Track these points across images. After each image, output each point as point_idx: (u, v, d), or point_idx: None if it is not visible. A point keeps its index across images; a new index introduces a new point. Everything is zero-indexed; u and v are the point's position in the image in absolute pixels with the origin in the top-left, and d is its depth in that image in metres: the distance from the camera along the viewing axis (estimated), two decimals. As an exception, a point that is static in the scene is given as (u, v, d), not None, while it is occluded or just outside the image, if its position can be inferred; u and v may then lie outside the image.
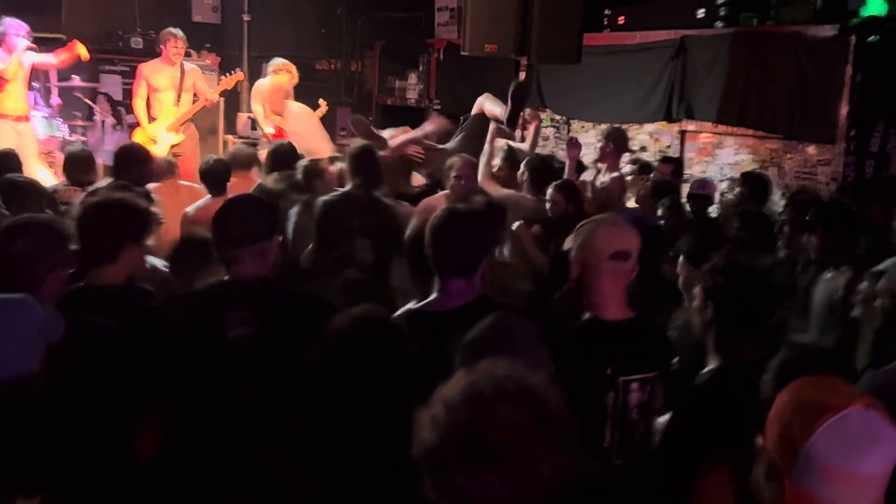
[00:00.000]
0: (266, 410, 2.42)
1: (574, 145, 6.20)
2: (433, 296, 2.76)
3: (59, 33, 9.22)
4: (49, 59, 7.88)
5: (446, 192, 5.50)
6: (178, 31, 8.11)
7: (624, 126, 7.89)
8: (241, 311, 2.66)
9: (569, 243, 2.80)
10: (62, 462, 2.29)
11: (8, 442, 2.19)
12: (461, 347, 2.13)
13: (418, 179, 7.02)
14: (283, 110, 7.97)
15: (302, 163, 5.64)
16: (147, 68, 8.10)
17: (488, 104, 6.26)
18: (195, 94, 8.21)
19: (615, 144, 6.33)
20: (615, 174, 6.19)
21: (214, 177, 5.41)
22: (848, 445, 1.51)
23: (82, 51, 7.86)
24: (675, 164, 6.77)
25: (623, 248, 2.66)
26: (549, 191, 5.21)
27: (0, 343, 2.22)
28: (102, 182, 5.43)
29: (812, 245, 4.17)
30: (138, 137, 7.97)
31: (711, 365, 2.69)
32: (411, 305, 2.84)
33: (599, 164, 6.35)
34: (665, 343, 2.81)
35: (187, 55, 9.23)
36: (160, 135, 7.94)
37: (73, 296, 2.82)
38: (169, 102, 8.08)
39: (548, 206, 5.20)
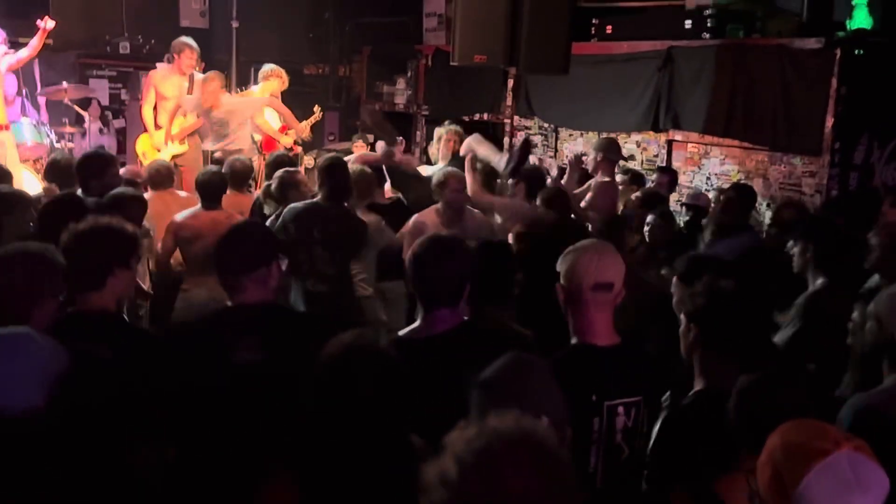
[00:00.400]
0: (270, 434, 2.45)
1: (578, 162, 6.31)
2: (416, 323, 2.84)
3: (47, 38, 9.18)
4: (22, 54, 7.69)
5: (437, 206, 5.52)
6: (193, 42, 8.08)
7: (612, 134, 7.97)
8: (249, 336, 2.73)
9: (560, 266, 2.83)
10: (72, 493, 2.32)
11: (17, 474, 2.21)
12: (476, 386, 2.12)
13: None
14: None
15: (277, 174, 5.65)
16: (157, 76, 8.06)
17: (481, 149, 6.29)
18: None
19: (605, 153, 6.40)
20: (606, 179, 6.28)
21: (209, 189, 5.41)
22: (838, 490, 1.56)
23: (48, 23, 7.60)
24: (671, 175, 6.82)
25: (605, 279, 2.67)
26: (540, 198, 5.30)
27: (5, 377, 2.23)
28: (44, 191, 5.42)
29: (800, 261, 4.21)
30: (143, 144, 7.95)
31: (696, 388, 2.74)
32: (401, 333, 2.90)
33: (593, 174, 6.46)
34: (651, 368, 2.82)
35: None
36: (163, 142, 7.90)
37: (62, 323, 2.79)
38: (175, 112, 8.01)
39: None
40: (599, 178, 6.25)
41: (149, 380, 2.62)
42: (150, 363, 2.70)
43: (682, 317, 2.84)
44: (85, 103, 9.21)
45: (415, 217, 5.59)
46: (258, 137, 8.35)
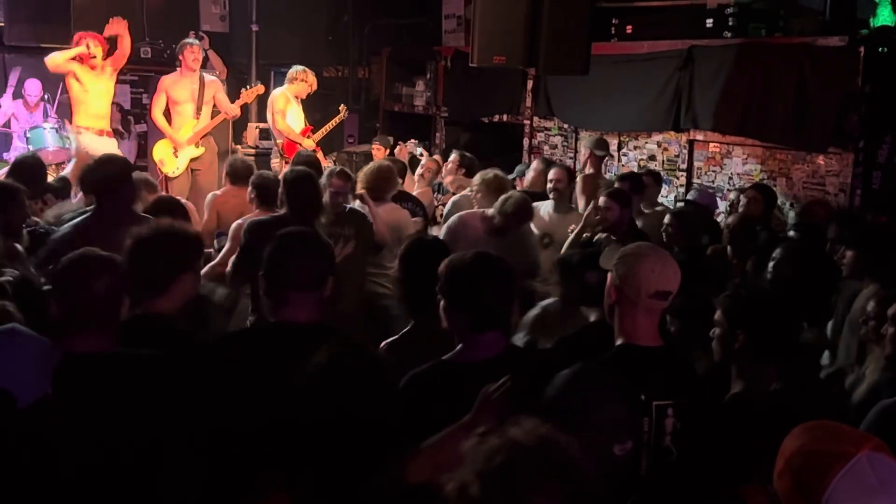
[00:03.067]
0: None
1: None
2: (459, 347, 2.65)
3: (68, 43, 9.25)
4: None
5: (483, 210, 5.49)
6: (193, 40, 8.12)
7: (632, 135, 7.94)
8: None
9: (606, 262, 2.80)
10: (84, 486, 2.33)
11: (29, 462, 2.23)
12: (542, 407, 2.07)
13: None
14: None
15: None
16: (167, 80, 8.07)
17: None
18: (215, 107, 8.16)
19: (592, 150, 6.85)
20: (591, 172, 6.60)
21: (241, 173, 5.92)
22: (863, 495, 1.53)
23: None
24: (654, 177, 6.70)
25: (665, 288, 2.65)
26: (602, 198, 5.26)
27: (11, 371, 2.25)
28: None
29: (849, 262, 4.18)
30: (160, 149, 7.96)
31: (734, 390, 2.73)
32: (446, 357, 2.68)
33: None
34: (692, 371, 2.79)
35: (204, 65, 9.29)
36: (181, 147, 7.91)
37: (127, 326, 2.71)
38: (188, 115, 8.02)
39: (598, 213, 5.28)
40: (587, 170, 6.72)
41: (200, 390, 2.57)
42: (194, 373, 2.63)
43: (717, 320, 2.81)
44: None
45: (458, 214, 5.57)
46: (280, 141, 8.39)
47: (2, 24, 9.11)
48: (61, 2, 9.13)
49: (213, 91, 8.10)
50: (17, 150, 8.57)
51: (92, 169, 4.45)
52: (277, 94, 8.35)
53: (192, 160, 7.94)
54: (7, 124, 9.08)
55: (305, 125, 8.42)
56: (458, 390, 2.35)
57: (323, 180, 5.44)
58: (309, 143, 8.26)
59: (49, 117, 8.69)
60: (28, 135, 8.24)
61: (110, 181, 4.25)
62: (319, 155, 8.40)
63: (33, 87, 8.90)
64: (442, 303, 2.65)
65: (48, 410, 2.33)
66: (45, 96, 8.88)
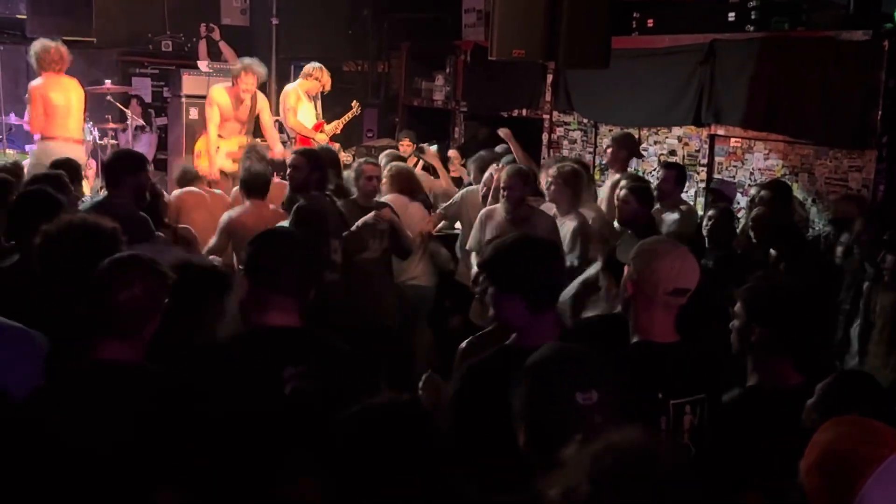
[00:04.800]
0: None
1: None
2: (516, 334, 2.60)
3: (90, 37, 9.32)
4: None
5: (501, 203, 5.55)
6: (255, 67, 7.75)
7: (652, 129, 7.89)
8: (295, 364, 2.52)
9: (623, 255, 2.77)
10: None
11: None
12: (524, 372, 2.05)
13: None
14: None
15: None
16: (218, 97, 7.83)
17: None
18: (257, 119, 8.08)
19: (628, 150, 6.50)
20: (617, 177, 6.36)
21: (258, 183, 5.58)
22: (897, 495, 1.50)
23: None
24: (678, 170, 6.52)
25: (684, 285, 2.62)
26: (622, 192, 5.24)
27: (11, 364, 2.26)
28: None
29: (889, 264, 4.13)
30: (203, 143, 7.91)
31: (750, 383, 2.70)
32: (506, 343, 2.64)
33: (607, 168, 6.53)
34: (712, 365, 2.75)
35: (217, 57, 9.32)
36: (222, 162, 7.80)
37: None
38: (233, 129, 7.91)
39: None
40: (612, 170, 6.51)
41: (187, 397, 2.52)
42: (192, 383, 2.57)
43: (737, 310, 2.77)
44: (126, 100, 9.33)
45: (486, 209, 5.62)
46: (293, 137, 8.40)
47: (24, 17, 9.15)
48: (83, -5, 9.20)
49: (261, 107, 8.01)
50: (38, 142, 8.62)
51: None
52: (289, 90, 8.32)
53: (222, 172, 7.86)
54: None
55: (318, 120, 8.40)
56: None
57: (351, 172, 5.60)
58: (321, 137, 8.24)
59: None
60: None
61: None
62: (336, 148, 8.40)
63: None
64: (490, 290, 2.59)
65: (41, 403, 2.33)
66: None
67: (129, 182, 4.48)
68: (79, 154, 7.38)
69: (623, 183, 5.51)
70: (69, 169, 5.18)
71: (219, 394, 2.48)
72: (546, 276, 2.58)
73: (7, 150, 8.33)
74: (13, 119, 8.65)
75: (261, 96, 8.08)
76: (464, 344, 3.11)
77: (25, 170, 6.11)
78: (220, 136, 7.86)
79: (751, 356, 2.68)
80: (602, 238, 5.50)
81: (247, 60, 7.88)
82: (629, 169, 7.57)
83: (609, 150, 6.80)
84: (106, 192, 4.69)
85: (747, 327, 2.69)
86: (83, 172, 6.49)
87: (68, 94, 7.54)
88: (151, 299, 2.54)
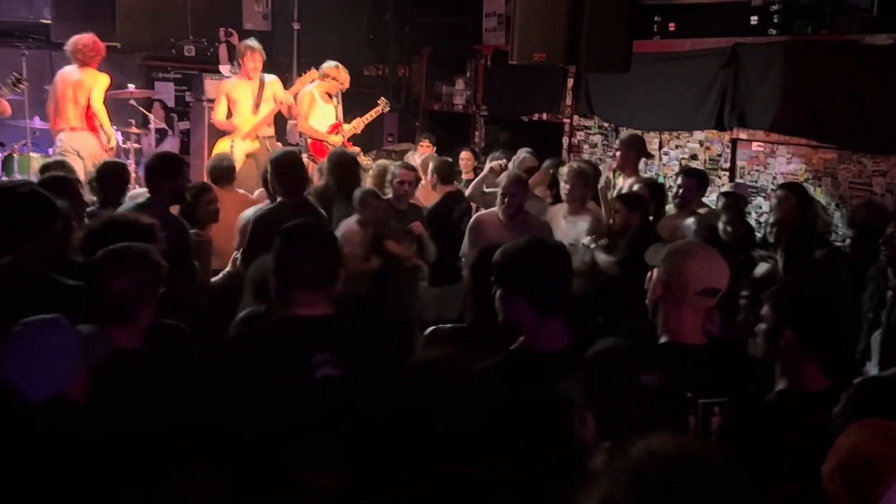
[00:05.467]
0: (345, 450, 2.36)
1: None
2: (523, 337, 2.62)
3: (114, 41, 9.39)
4: None
5: (494, 209, 5.53)
6: (254, 43, 8.03)
7: (673, 133, 7.85)
8: (325, 350, 2.54)
9: (653, 258, 2.76)
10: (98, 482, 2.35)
11: (39, 459, 2.25)
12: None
13: None
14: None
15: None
16: (227, 84, 8.08)
17: None
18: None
19: (636, 152, 6.49)
20: (634, 179, 6.31)
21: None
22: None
23: None
24: (698, 177, 6.44)
25: (713, 285, 2.62)
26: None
27: (30, 365, 2.27)
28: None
29: None
30: (220, 147, 7.98)
31: (779, 387, 2.67)
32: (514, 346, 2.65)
33: (619, 171, 6.48)
34: (741, 366, 2.73)
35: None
36: (236, 143, 7.91)
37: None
38: (246, 112, 8.02)
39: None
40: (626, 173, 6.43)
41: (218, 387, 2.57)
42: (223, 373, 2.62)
43: (765, 313, 2.74)
44: (148, 104, 9.39)
45: (477, 215, 5.61)
46: (308, 140, 8.43)
47: (49, 22, 9.25)
48: (107, 0, 9.28)
49: (273, 90, 8.09)
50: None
51: None
52: (303, 93, 8.34)
53: (247, 155, 7.95)
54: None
55: (336, 122, 8.41)
56: (532, 379, 2.32)
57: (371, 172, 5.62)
58: (335, 140, 8.24)
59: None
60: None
61: None
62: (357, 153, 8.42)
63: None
64: (499, 293, 2.61)
65: (58, 408, 2.35)
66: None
67: (167, 186, 4.67)
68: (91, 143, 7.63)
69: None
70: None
71: (246, 383, 2.51)
72: (551, 278, 2.59)
73: (31, 154, 8.40)
74: (38, 123, 8.73)
75: (272, 79, 8.18)
76: (428, 331, 3.15)
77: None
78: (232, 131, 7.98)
79: (779, 360, 2.65)
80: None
81: (247, 41, 8.04)
82: (649, 173, 7.56)
83: (618, 154, 6.74)
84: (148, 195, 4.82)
85: (776, 330, 2.66)
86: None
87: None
88: (144, 287, 2.65)
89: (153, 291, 2.70)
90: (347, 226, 5.33)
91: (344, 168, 6.08)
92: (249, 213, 5.43)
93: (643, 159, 6.99)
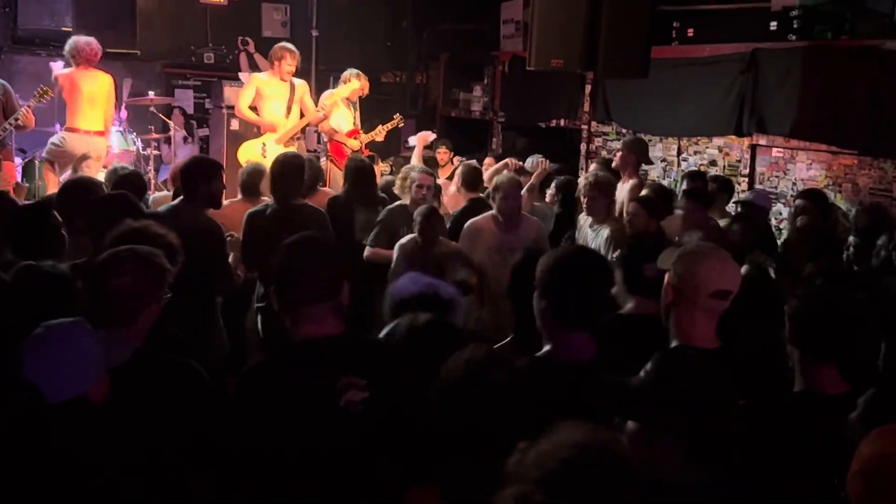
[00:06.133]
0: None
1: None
2: (549, 346, 2.58)
3: (134, 49, 9.49)
4: None
5: (492, 212, 5.52)
6: (292, 47, 7.94)
7: (692, 139, 7.82)
8: (348, 373, 2.40)
9: (664, 262, 2.74)
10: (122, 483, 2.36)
11: (61, 461, 2.26)
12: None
13: None
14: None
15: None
16: (259, 78, 8.01)
17: None
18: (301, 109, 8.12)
19: (637, 155, 6.42)
20: (634, 181, 6.29)
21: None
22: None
23: None
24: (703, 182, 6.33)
25: (725, 287, 2.60)
26: (631, 205, 5.22)
27: (52, 367, 2.28)
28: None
29: None
30: (247, 151, 7.96)
31: (796, 388, 2.65)
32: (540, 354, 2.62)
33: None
34: (754, 371, 2.73)
35: (258, 69, 9.41)
36: (269, 146, 7.83)
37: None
38: (279, 113, 7.95)
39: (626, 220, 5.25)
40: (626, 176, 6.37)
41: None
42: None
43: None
44: (168, 111, 9.46)
45: (470, 221, 5.58)
46: (326, 141, 8.46)
47: (70, 30, 9.33)
48: (127, 9, 9.36)
49: (301, 93, 8.08)
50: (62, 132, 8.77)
51: None
52: (325, 95, 8.38)
53: None
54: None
55: (354, 127, 8.44)
56: (551, 388, 2.30)
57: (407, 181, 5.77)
58: (354, 144, 8.25)
59: (114, 120, 8.85)
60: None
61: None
62: (371, 154, 8.44)
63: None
64: (535, 300, 2.59)
65: (78, 411, 2.37)
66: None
67: (203, 189, 4.64)
68: (101, 147, 7.58)
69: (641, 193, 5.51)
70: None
71: (269, 417, 2.39)
72: (576, 289, 2.52)
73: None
74: (58, 129, 8.82)
75: (300, 82, 8.14)
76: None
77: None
78: (261, 128, 7.97)
79: (796, 363, 2.64)
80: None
81: (284, 44, 8.00)
82: (668, 179, 7.53)
83: (619, 154, 6.69)
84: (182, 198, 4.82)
85: (791, 332, 2.65)
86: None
87: (96, 84, 7.69)
88: (143, 288, 2.67)
89: (154, 293, 2.72)
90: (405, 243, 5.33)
91: (360, 175, 6.10)
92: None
93: (643, 164, 6.91)
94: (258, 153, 7.81)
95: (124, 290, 2.64)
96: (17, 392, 2.33)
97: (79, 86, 7.57)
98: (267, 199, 6.03)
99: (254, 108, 7.91)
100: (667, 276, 2.68)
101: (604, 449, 1.47)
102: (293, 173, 5.20)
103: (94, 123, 7.65)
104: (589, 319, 2.56)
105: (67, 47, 7.63)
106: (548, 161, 7.24)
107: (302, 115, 8.04)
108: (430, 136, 8.52)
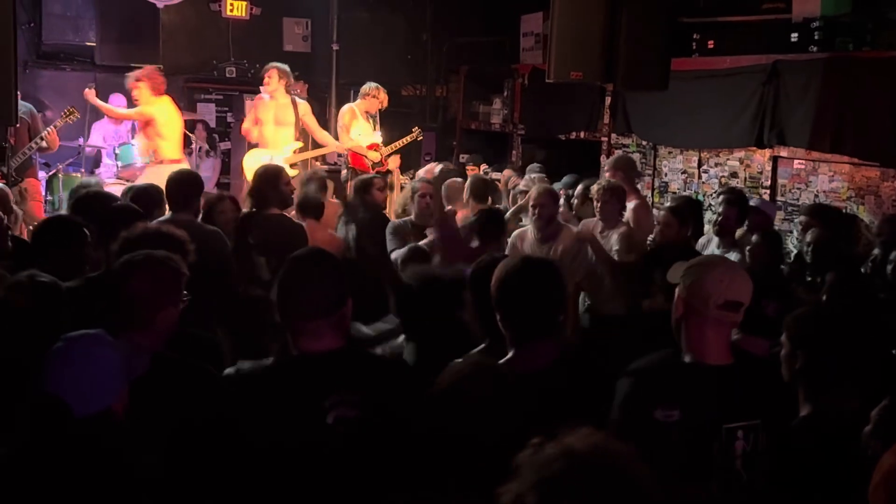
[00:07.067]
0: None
1: None
2: (510, 354, 2.60)
3: (157, 63, 9.56)
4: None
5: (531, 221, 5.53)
6: (279, 65, 8.04)
7: (713, 151, 7.79)
8: (339, 390, 2.38)
9: (674, 276, 2.72)
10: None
11: (90, 475, 2.27)
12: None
13: None
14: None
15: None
16: (260, 103, 8.09)
17: None
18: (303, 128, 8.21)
19: (624, 172, 6.18)
20: (636, 202, 6.04)
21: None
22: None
23: None
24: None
25: (735, 298, 2.53)
26: (662, 213, 5.20)
27: (77, 380, 2.29)
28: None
29: None
30: (252, 161, 8.02)
31: (803, 413, 2.61)
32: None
33: None
34: (770, 389, 2.63)
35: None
36: (277, 161, 7.91)
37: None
38: (287, 137, 8.05)
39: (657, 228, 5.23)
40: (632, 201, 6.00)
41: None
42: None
43: (782, 341, 2.71)
44: (191, 125, 9.53)
45: (516, 232, 5.60)
46: (346, 153, 8.51)
47: (94, 45, 9.45)
48: (150, 23, 9.46)
49: (303, 113, 8.15)
50: (107, 166, 8.87)
51: None
52: (345, 109, 8.44)
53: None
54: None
55: (375, 140, 8.48)
56: (508, 398, 2.29)
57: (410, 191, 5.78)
58: (374, 156, 8.30)
59: (136, 133, 8.94)
60: (117, 151, 8.50)
61: None
62: (390, 167, 8.47)
63: (117, 102, 9.16)
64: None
65: (105, 423, 2.37)
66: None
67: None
68: None
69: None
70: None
71: (256, 430, 2.38)
72: (524, 302, 2.58)
73: (74, 174, 8.58)
74: (81, 142, 8.93)
75: (301, 101, 8.23)
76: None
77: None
78: (263, 145, 8.06)
79: (800, 384, 2.60)
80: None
81: (275, 64, 8.08)
82: (689, 191, 7.49)
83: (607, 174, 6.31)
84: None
85: (792, 355, 2.62)
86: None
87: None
88: (160, 290, 2.68)
89: (171, 296, 2.72)
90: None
91: (359, 190, 6.16)
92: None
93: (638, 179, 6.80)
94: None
95: (141, 294, 2.65)
96: (43, 406, 2.35)
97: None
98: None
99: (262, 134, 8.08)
100: (676, 290, 2.63)
101: (608, 461, 1.45)
102: (265, 184, 5.28)
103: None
104: (544, 328, 2.60)
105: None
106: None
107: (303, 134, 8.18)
108: (435, 167, 8.63)
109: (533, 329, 2.59)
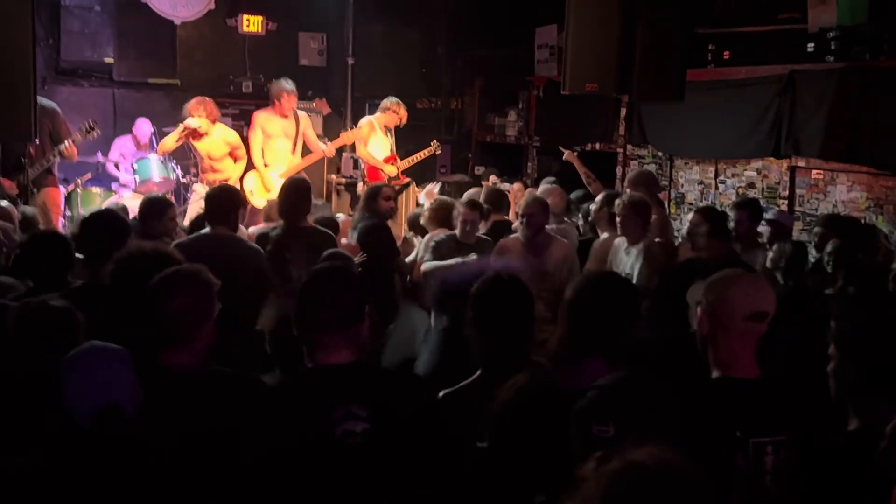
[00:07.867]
0: None
1: None
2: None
3: (174, 79, 9.66)
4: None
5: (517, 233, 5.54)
6: (288, 85, 8.12)
7: (730, 162, 7.76)
8: (348, 403, 2.39)
9: (693, 296, 2.71)
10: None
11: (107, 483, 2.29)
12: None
13: None
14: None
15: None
16: (261, 116, 8.20)
17: None
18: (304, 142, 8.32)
19: (646, 187, 6.19)
20: (655, 217, 5.90)
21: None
22: None
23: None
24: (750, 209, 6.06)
25: (761, 308, 2.52)
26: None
27: (85, 390, 2.35)
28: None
29: None
30: (250, 180, 8.12)
31: (851, 427, 2.57)
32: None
33: None
34: (801, 403, 2.61)
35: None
36: (273, 181, 7.96)
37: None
38: (286, 150, 8.17)
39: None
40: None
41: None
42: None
43: (831, 354, 2.66)
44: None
45: (500, 241, 5.59)
46: (362, 166, 8.55)
47: (112, 61, 9.53)
48: (168, 39, 9.54)
49: (304, 126, 8.26)
50: (124, 181, 8.94)
51: None
52: (363, 122, 8.49)
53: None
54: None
55: (391, 154, 8.51)
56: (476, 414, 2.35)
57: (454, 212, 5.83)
58: (391, 170, 8.33)
59: (155, 148, 9.00)
60: (135, 165, 8.55)
61: None
62: (406, 181, 8.51)
63: (144, 127, 9.23)
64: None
65: (147, 417, 2.44)
66: (154, 130, 9.21)
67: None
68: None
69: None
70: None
71: (263, 441, 2.42)
72: (501, 325, 2.71)
73: (92, 189, 8.64)
74: (100, 158, 9.00)
75: (302, 115, 8.32)
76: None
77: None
78: (266, 164, 8.12)
79: (850, 399, 2.56)
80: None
81: (282, 83, 8.15)
82: (706, 202, 7.45)
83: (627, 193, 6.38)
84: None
85: (844, 368, 2.59)
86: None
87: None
88: (199, 306, 2.71)
89: (209, 310, 2.75)
90: None
91: (367, 198, 6.18)
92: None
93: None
94: (261, 184, 8.02)
95: (182, 311, 2.67)
96: (60, 418, 2.37)
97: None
98: None
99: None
100: (698, 309, 2.62)
101: (673, 477, 1.45)
102: (301, 197, 5.36)
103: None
104: (517, 350, 2.70)
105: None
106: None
107: (305, 148, 8.26)
108: (435, 187, 8.69)
109: (501, 353, 2.66)
